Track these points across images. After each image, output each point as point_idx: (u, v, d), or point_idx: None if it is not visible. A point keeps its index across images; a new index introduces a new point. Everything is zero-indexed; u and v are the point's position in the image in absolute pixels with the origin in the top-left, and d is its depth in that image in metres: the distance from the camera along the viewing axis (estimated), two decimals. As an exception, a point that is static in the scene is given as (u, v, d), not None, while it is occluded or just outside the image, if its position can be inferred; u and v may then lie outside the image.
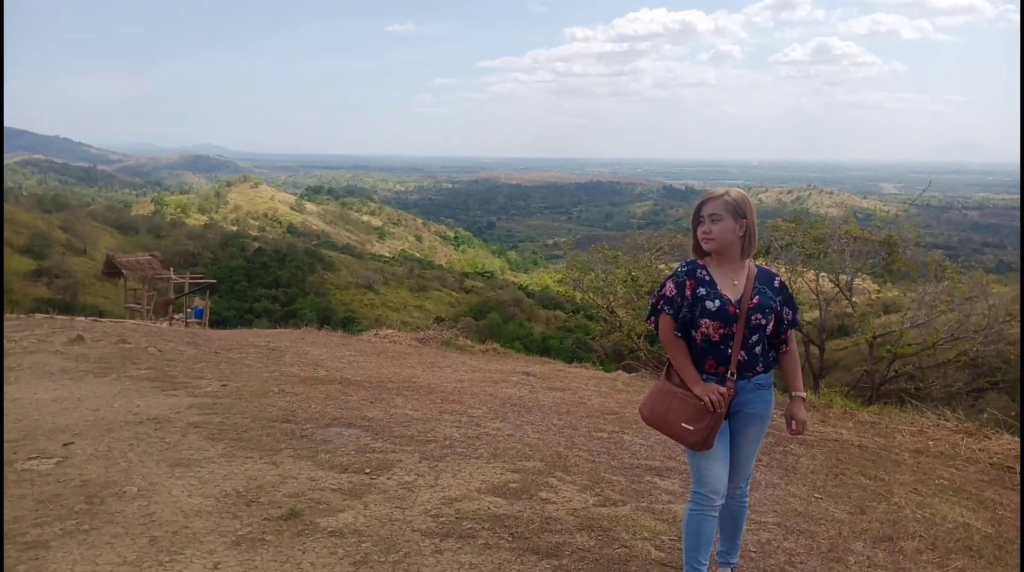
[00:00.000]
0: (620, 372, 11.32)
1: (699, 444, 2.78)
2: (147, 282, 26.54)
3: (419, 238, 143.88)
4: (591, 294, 17.16)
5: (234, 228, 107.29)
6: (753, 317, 2.82)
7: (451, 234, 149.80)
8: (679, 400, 2.82)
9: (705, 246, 2.87)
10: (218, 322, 43.62)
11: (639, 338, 15.87)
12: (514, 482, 4.10)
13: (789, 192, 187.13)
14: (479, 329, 46.31)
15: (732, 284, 2.86)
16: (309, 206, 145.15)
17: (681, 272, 2.90)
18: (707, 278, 2.85)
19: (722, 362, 2.82)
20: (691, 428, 2.78)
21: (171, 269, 27.69)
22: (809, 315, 16.39)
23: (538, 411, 5.98)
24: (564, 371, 9.70)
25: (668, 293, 2.87)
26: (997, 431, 7.77)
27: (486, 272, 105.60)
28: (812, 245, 14.19)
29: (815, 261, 14.50)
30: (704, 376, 2.83)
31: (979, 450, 7.09)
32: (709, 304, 2.80)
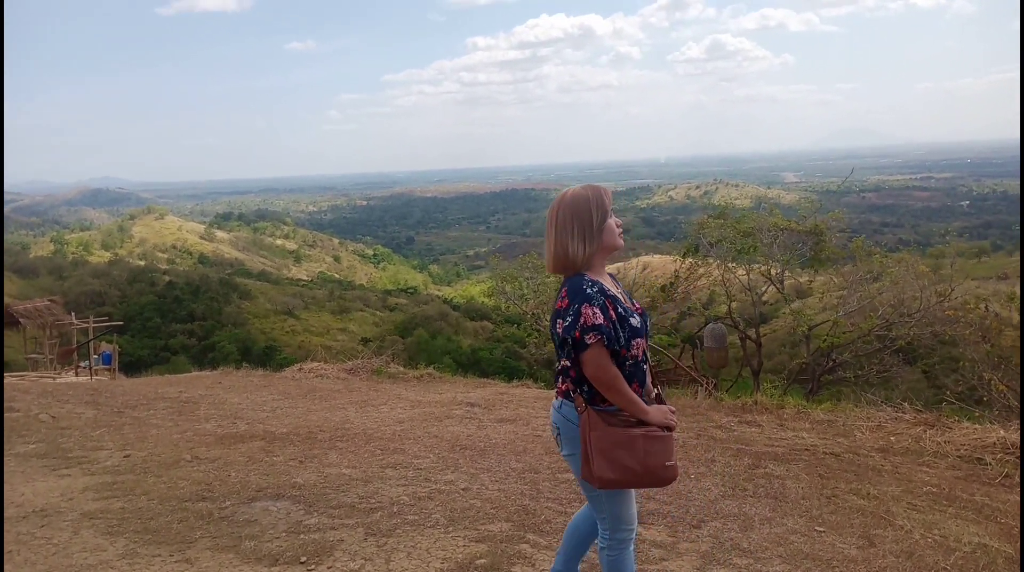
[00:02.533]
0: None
1: (675, 476, 2.51)
2: (48, 329, 24.81)
3: (337, 258, 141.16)
4: (520, 304, 16.71)
5: (141, 263, 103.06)
6: (647, 322, 2.59)
7: (370, 252, 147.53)
8: (648, 440, 2.43)
9: (620, 242, 2.55)
10: (131, 365, 41.52)
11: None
12: (481, 556, 3.47)
13: (697, 187, 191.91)
14: (407, 347, 45.33)
15: (619, 293, 2.57)
16: (220, 234, 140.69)
17: (595, 293, 2.41)
18: (611, 293, 2.48)
19: (642, 381, 2.52)
20: (672, 463, 2.48)
21: (72, 313, 25.95)
22: (744, 311, 16.30)
23: (492, 453, 5.35)
24: (507, 394, 9.09)
25: (597, 321, 2.36)
26: (956, 420, 7.58)
27: (409, 288, 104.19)
28: (742, 240, 14.06)
29: (745, 256, 14.37)
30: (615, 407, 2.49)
31: (944, 443, 6.82)
32: (633, 321, 2.46)
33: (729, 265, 14.57)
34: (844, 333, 13.56)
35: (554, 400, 2.61)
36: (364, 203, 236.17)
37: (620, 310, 2.44)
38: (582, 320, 2.35)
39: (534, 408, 7.78)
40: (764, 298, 15.16)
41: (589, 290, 2.39)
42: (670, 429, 2.47)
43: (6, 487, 4.78)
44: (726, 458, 5.40)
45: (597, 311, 2.36)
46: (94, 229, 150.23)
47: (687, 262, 15.23)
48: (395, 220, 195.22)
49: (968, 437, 6.89)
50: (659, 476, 2.45)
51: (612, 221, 2.52)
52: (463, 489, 4.49)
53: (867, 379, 14.14)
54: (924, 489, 5.13)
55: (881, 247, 14.91)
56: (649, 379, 2.57)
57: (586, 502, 2.76)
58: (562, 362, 2.52)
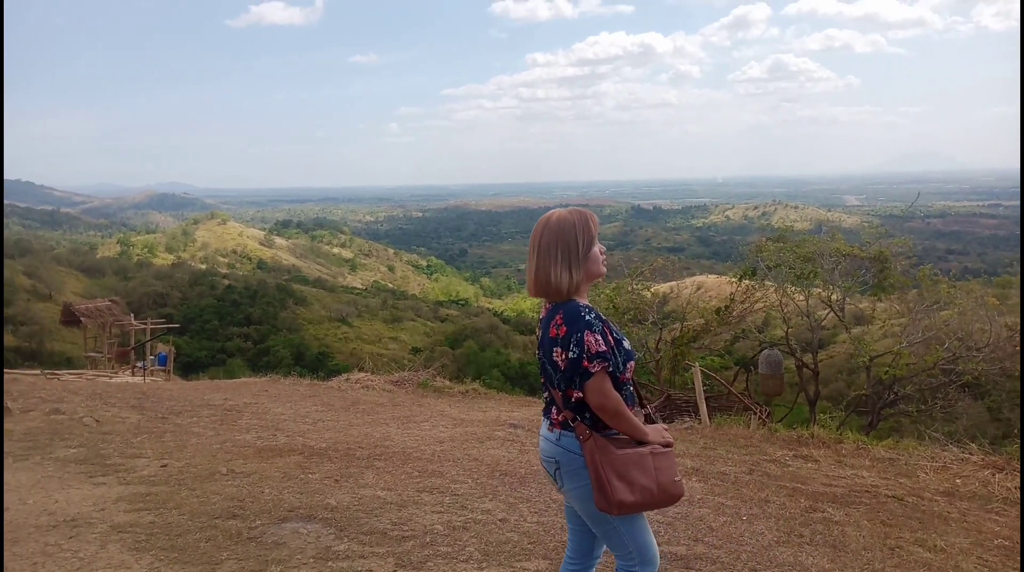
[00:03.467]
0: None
1: (683, 492, 2.46)
2: (107, 328, 25.40)
3: (391, 268, 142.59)
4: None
5: (203, 266, 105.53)
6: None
7: (423, 263, 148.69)
8: (656, 457, 2.39)
9: (604, 270, 2.47)
10: (188, 365, 42.44)
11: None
12: (514, 598, 3.26)
13: (755, 208, 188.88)
14: (456, 358, 45.36)
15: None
16: (278, 241, 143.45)
17: (593, 319, 2.35)
18: (604, 317, 2.42)
19: (634, 403, 2.48)
20: (679, 479, 2.44)
21: (131, 314, 26.54)
22: (800, 336, 15.73)
23: (533, 481, 5.13)
24: (552, 415, 8.87)
25: (601, 348, 2.30)
26: (1028, 464, 7.12)
27: (460, 300, 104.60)
28: (802, 265, 13.59)
29: (804, 281, 13.90)
30: (616, 431, 2.41)
31: (1014, 489, 6.39)
32: (626, 344, 2.45)
33: (787, 289, 14.10)
34: (907, 365, 12.98)
35: (547, 432, 2.48)
36: (420, 214, 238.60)
37: (615, 334, 2.40)
38: (587, 348, 2.28)
39: (580, 432, 7.54)
40: (822, 324, 14.64)
41: (588, 317, 2.33)
42: (668, 445, 2.44)
43: (43, 493, 4.74)
44: (781, 498, 5.09)
45: (599, 338, 2.31)
46: (159, 232, 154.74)
47: (744, 285, 14.83)
48: (449, 232, 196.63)
49: (1041, 484, 6.46)
50: (671, 493, 2.40)
51: (597, 248, 2.45)
52: (500, 520, 4.28)
53: (930, 413, 13.54)
54: (995, 542, 4.76)
55: (947, 276, 14.30)
56: (638, 398, 2.53)
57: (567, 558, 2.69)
58: (558, 392, 2.41)
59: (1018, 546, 4.74)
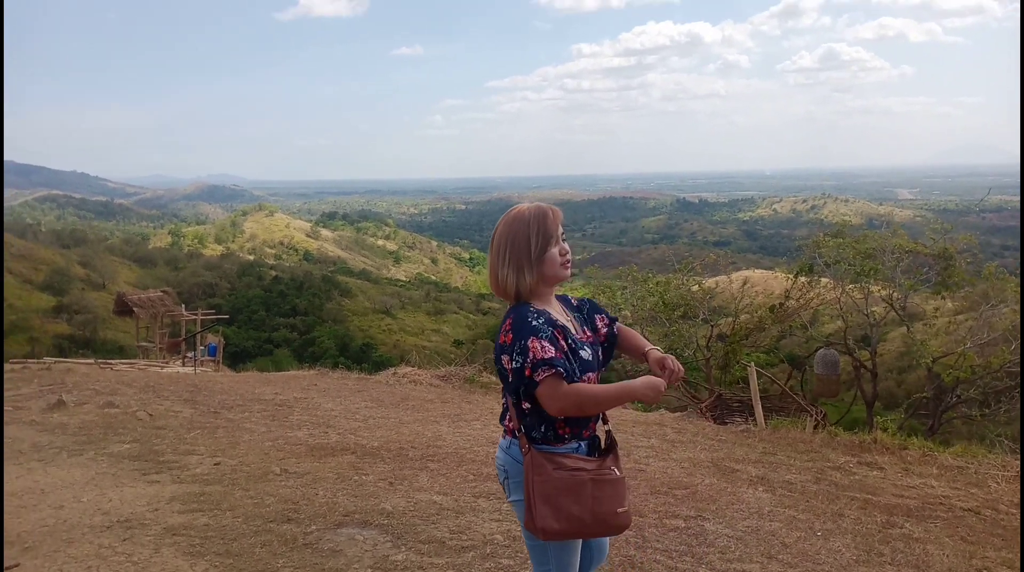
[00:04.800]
0: (663, 412, 10.31)
1: (629, 522, 2.26)
2: (159, 319, 25.84)
3: (435, 261, 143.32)
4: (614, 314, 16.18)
5: (251, 257, 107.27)
6: (599, 352, 2.34)
7: (466, 256, 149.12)
8: (598, 485, 2.17)
9: (565, 273, 2.26)
10: (236, 355, 43.09)
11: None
12: (582, 618, 3.09)
13: (804, 201, 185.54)
14: (499, 352, 45.18)
15: (568, 321, 2.30)
16: (324, 232, 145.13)
17: (541, 324, 2.14)
18: (560, 323, 2.22)
19: (596, 418, 2.28)
20: (626, 508, 2.23)
21: (183, 305, 26.95)
22: (851, 332, 15.22)
23: (592, 488, 4.96)
24: (604, 415, 8.67)
25: (547, 354, 2.09)
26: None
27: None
28: (862, 262, 13.15)
29: (864, 278, 13.45)
30: (577, 444, 2.21)
31: (1097, 502, 6.05)
32: (584, 354, 2.21)
33: (847, 287, 13.66)
34: (971, 366, 12.47)
35: (501, 439, 2.31)
36: (463, 207, 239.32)
37: (570, 341, 2.18)
38: (531, 355, 2.09)
39: (633, 433, 7.34)
40: (876, 321, 14.16)
41: (535, 322, 2.13)
42: (659, 389, 2.15)
43: (97, 491, 4.71)
44: (854, 511, 4.84)
45: (546, 344, 2.10)
46: (209, 223, 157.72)
47: (799, 281, 14.41)
48: (492, 225, 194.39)
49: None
50: (610, 524, 2.18)
51: (555, 250, 2.23)
52: (561, 531, 4.12)
53: (993, 417, 13.02)
54: (1090, 564, 4.46)
55: (1010, 273, 13.72)
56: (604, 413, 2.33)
57: None
58: (507, 399, 2.25)
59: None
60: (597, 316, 2.43)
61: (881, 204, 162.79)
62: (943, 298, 14.16)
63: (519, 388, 2.13)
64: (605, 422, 2.34)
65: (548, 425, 2.17)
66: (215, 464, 5.32)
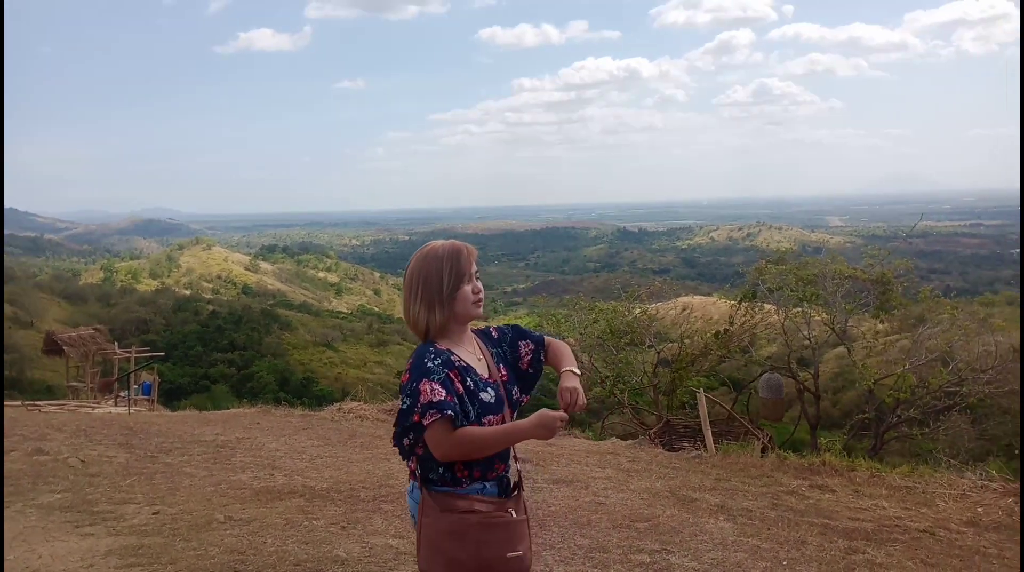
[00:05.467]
0: (614, 440, 10.25)
1: (526, 567, 2.12)
2: (90, 358, 24.90)
3: (377, 292, 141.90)
4: (577, 352, 16.14)
5: (187, 292, 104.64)
6: (512, 392, 2.25)
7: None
8: (485, 528, 2.06)
9: (477, 312, 2.22)
10: (172, 392, 41.73)
11: (622, 392, 14.87)
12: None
13: (740, 229, 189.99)
14: (444, 383, 44.78)
15: (477, 360, 2.23)
16: (264, 266, 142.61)
17: (436, 366, 2.08)
18: (463, 363, 2.16)
19: (504, 459, 2.19)
20: (519, 552, 2.10)
21: (115, 343, 26.04)
22: (789, 355, 15.44)
23: (554, 526, 4.82)
24: (556, 445, 8.56)
25: (436, 397, 2.02)
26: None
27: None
28: (803, 287, 13.41)
29: (806, 303, 13.71)
30: (483, 484, 2.11)
31: (1042, 519, 6.17)
32: (485, 396, 2.13)
33: (790, 312, 13.90)
34: (911, 387, 12.76)
35: (408, 483, 2.25)
36: (407, 238, 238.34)
37: (470, 383, 2.11)
38: (421, 398, 2.02)
39: (587, 465, 7.26)
40: (807, 342, 14.42)
41: (430, 363, 2.07)
42: (555, 428, 2.06)
43: (25, 546, 4.38)
44: (815, 538, 4.81)
45: (436, 386, 2.03)
46: (144, 258, 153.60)
47: (743, 307, 14.61)
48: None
49: (1068, 514, 6.24)
50: (497, 570, 2.05)
51: (468, 288, 2.18)
52: (524, 572, 3.98)
53: (933, 436, 13.33)
54: (1045, 584, 4.50)
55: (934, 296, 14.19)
56: (512, 451, 2.24)
57: None
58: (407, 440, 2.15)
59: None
60: (522, 342, 2.36)
61: (813, 231, 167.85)
62: (882, 322, 14.52)
63: (406, 431, 2.07)
64: (515, 460, 2.26)
65: (445, 467, 2.09)
66: (154, 513, 5.03)
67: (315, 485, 5.90)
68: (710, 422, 12.93)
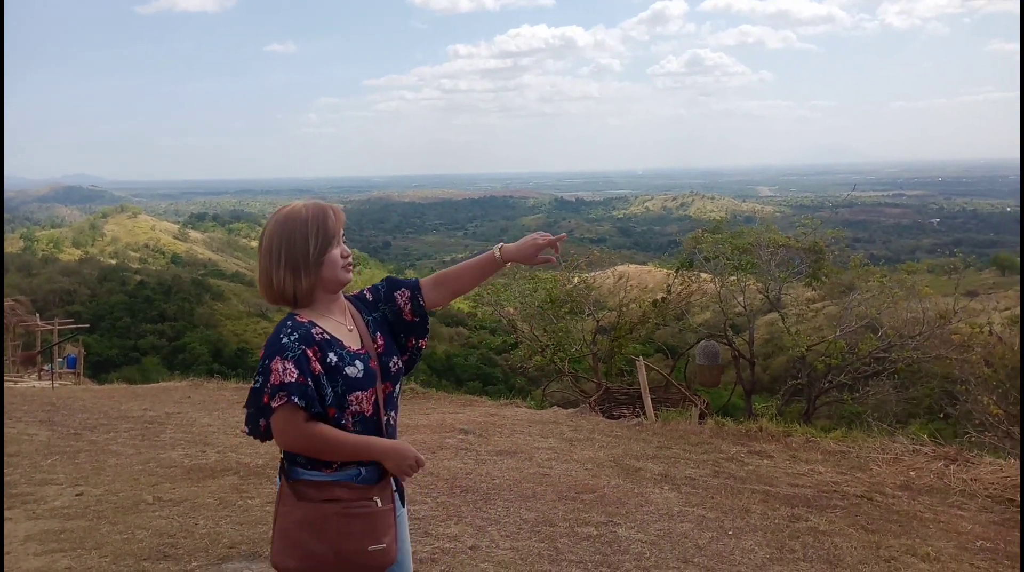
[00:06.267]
0: (556, 409, 10.23)
1: (390, 560, 1.94)
2: (11, 330, 23.86)
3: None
4: (496, 309, 16.09)
5: (113, 262, 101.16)
6: (389, 363, 2.06)
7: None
8: (344, 519, 1.87)
9: (347, 277, 2.05)
10: (99, 365, 40.46)
11: (562, 361, 14.92)
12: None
13: (674, 199, 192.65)
14: (382, 353, 44.48)
15: (348, 330, 2.04)
16: (194, 234, 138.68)
17: (292, 342, 1.88)
18: (327, 336, 1.95)
19: (381, 435, 2.00)
20: (383, 545, 1.91)
21: (38, 315, 25.00)
22: (719, 321, 15.71)
23: (498, 499, 4.73)
24: (498, 416, 8.50)
25: (287, 378, 1.83)
26: (977, 453, 7.15)
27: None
28: (739, 256, 13.60)
29: (741, 271, 13.92)
30: (359, 470, 1.93)
31: (970, 481, 6.36)
32: (351, 370, 1.94)
33: (726, 280, 14.10)
34: (840, 353, 13.11)
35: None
36: (341, 206, 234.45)
37: (333, 357, 1.92)
38: (271, 378, 1.84)
39: (530, 435, 7.20)
40: (740, 310, 14.68)
41: (285, 339, 1.89)
42: (420, 463, 1.97)
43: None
44: (758, 506, 4.84)
45: (289, 366, 1.84)
46: (66, 226, 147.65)
47: (681, 276, 14.77)
48: (372, 224, 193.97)
49: (996, 475, 6.45)
50: (358, 564, 1.88)
51: (336, 251, 2.01)
52: (471, 548, 3.87)
53: (863, 401, 13.76)
54: (978, 544, 4.62)
55: (866, 263, 14.60)
56: (385, 430, 2.03)
57: None
58: None
59: (1000, 547, 4.62)
60: (397, 294, 2.18)
61: (744, 201, 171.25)
62: (813, 289, 14.86)
63: (257, 414, 1.89)
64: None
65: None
66: (77, 495, 4.76)
67: (250, 462, 5.69)
68: (650, 390, 13.10)
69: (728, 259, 13.70)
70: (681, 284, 14.89)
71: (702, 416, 10.41)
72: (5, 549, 3.85)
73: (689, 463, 6.21)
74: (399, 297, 2.17)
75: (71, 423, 7.21)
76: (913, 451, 7.19)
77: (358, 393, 1.93)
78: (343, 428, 1.91)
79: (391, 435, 2.03)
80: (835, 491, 5.68)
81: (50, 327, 23.75)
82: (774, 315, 15.84)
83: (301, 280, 1.95)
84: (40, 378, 20.17)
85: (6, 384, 16.57)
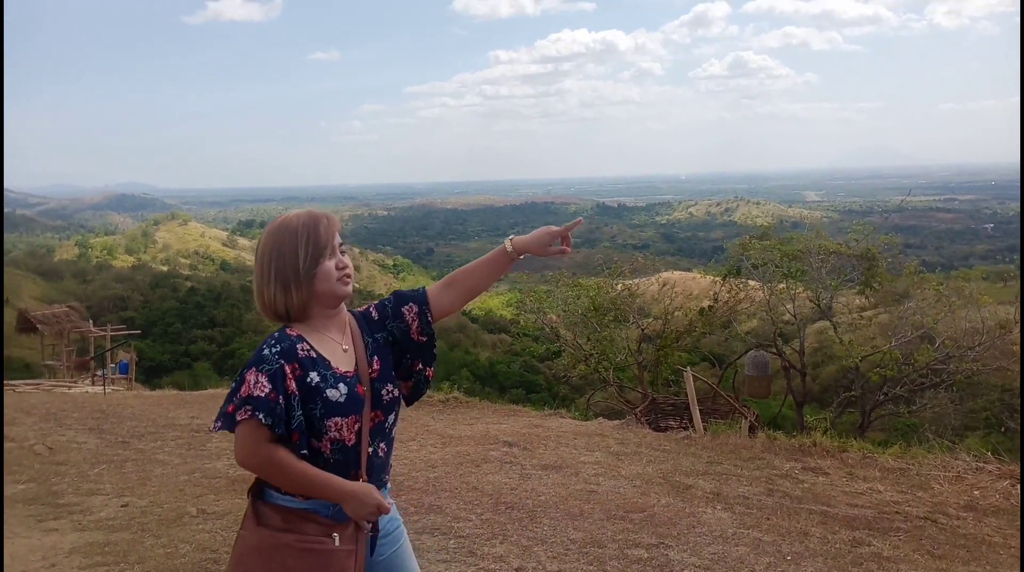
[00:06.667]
0: (601, 420, 10.08)
1: None
2: (65, 336, 24.45)
3: (357, 268, 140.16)
4: (539, 317, 15.94)
5: (164, 268, 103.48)
6: (383, 391, 1.91)
7: (390, 262, 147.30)
8: (296, 553, 1.76)
9: (344, 290, 1.90)
10: (151, 369, 41.27)
11: (607, 370, 14.71)
12: None
13: (718, 204, 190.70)
14: (425, 360, 44.53)
15: (342, 350, 1.91)
16: (242, 241, 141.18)
17: (272, 355, 1.78)
18: (313, 354, 1.83)
19: (378, 472, 1.91)
20: None
21: (90, 321, 25.56)
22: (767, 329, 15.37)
23: (544, 517, 4.60)
24: (542, 428, 8.37)
25: (257, 392, 1.72)
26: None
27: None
28: (789, 263, 13.25)
29: (791, 279, 13.57)
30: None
31: (1040, 503, 6.06)
32: (333, 394, 1.81)
33: (775, 289, 13.74)
34: (896, 363, 12.67)
35: None
36: (385, 213, 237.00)
37: (314, 377, 1.80)
38: (242, 389, 1.74)
39: (576, 448, 7.06)
40: (786, 318, 14.30)
41: (267, 350, 1.78)
42: (370, 520, 1.83)
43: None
44: (817, 528, 4.64)
45: (262, 379, 1.73)
46: (119, 234, 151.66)
47: (728, 284, 14.46)
48: (415, 231, 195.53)
49: (1064, 496, 6.13)
50: None
51: (330, 263, 1.87)
52: (516, 570, 3.74)
53: (920, 414, 13.30)
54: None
55: (921, 270, 14.11)
56: (363, 465, 1.87)
57: None
58: None
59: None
60: (404, 309, 2.03)
61: (790, 206, 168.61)
62: (865, 297, 14.44)
63: (226, 424, 1.76)
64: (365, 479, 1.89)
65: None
66: (122, 506, 4.76)
67: (294, 473, 5.66)
68: (700, 400, 12.84)
69: (777, 266, 13.36)
70: (728, 292, 14.57)
71: (752, 429, 10.15)
72: (51, 561, 3.85)
73: (741, 480, 6.01)
74: (407, 312, 2.03)
75: (119, 431, 7.27)
76: (976, 469, 6.89)
77: (337, 419, 1.80)
78: (319, 455, 1.79)
79: (376, 469, 1.90)
80: (896, 512, 5.44)
81: (103, 333, 24.27)
82: (823, 323, 15.40)
83: (292, 295, 1.85)
84: (93, 383, 20.58)
85: (60, 389, 16.93)
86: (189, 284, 78.97)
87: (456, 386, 11.94)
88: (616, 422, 9.85)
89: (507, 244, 2.12)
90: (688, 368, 11.66)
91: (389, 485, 2.00)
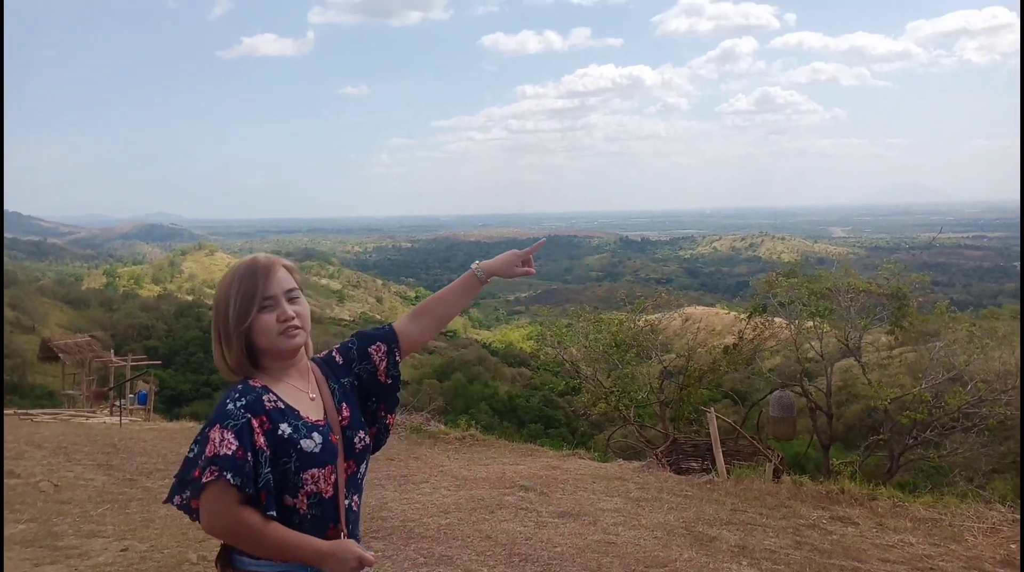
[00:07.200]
0: (621, 462, 9.83)
1: None
2: (86, 365, 24.57)
3: (379, 300, 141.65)
4: (558, 351, 15.69)
5: (189, 298, 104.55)
6: (355, 439, 1.78)
7: (412, 294, 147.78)
8: None
9: (289, 343, 1.72)
10: (172, 399, 41.44)
11: (627, 408, 14.42)
12: None
13: (743, 239, 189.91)
14: (444, 391, 44.44)
15: (309, 399, 1.77)
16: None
17: (237, 409, 1.62)
18: (281, 405, 1.69)
19: (354, 524, 1.77)
20: None
21: (111, 350, 25.71)
22: (791, 367, 15.02)
23: (559, 570, 4.39)
24: (560, 470, 8.14)
25: (225, 450, 1.56)
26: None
27: (449, 331, 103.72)
28: (817, 302, 12.96)
29: (819, 317, 13.27)
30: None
31: (1080, 557, 5.75)
32: (307, 444, 1.67)
33: (801, 327, 13.44)
34: (926, 406, 12.29)
35: None
36: (409, 245, 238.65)
37: (285, 429, 1.65)
38: (207, 449, 1.58)
39: (594, 492, 6.83)
40: (811, 356, 13.96)
41: (231, 405, 1.62)
42: (358, 564, 1.64)
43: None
44: (849, 588, 4.38)
45: (229, 437, 1.58)
46: (146, 263, 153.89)
47: (753, 322, 14.17)
48: (438, 263, 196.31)
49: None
50: None
51: (268, 316, 1.71)
52: (528, 631, 3.54)
53: (951, 459, 12.88)
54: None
55: (935, 309, 13.76)
56: (342, 517, 1.73)
57: None
58: None
59: None
60: (372, 349, 1.92)
61: (816, 242, 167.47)
62: (893, 335, 14.10)
63: (183, 486, 1.63)
64: (344, 531, 1.76)
65: None
66: (122, 550, 4.61)
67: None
68: (722, 441, 12.49)
69: (804, 305, 13.08)
70: (753, 330, 14.28)
71: (776, 472, 9.84)
72: (41, 612, 3.69)
73: (768, 531, 5.75)
74: (374, 353, 1.91)
75: (128, 467, 7.14)
76: (1012, 520, 6.61)
77: (314, 471, 1.66)
78: (294, 513, 1.64)
79: (353, 523, 1.76)
80: (931, 567, 5.18)
81: (123, 363, 24.36)
82: (848, 361, 15.03)
83: (231, 351, 1.71)
84: (112, 413, 20.60)
85: (78, 419, 16.92)
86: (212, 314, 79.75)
87: (475, 421, 11.77)
88: (636, 464, 9.60)
89: (475, 269, 2.09)
90: (712, 410, 11.36)
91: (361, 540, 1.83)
